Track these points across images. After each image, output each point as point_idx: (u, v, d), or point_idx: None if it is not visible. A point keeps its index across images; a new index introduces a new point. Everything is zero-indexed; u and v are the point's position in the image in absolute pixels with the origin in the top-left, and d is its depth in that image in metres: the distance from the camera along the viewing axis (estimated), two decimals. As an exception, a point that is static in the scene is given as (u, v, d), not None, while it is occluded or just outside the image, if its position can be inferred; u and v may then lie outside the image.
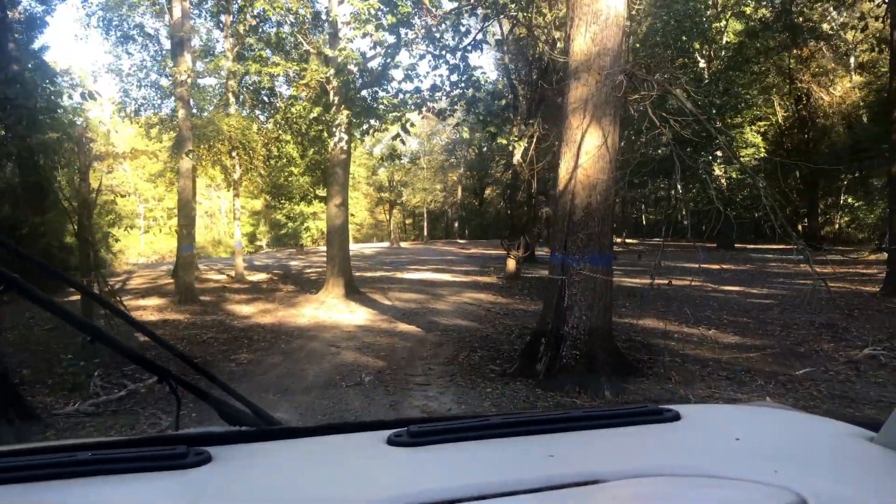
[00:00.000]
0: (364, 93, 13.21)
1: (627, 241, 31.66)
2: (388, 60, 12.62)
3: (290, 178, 22.96)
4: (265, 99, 18.11)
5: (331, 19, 12.76)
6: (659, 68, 5.85)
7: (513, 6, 12.09)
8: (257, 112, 19.04)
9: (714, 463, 0.92)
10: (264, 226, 43.67)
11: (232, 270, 18.58)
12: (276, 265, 22.73)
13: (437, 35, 12.09)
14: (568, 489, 0.83)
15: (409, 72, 12.60)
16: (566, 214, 6.01)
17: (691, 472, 0.89)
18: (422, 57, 12.51)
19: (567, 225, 5.99)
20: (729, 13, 26.16)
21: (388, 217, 50.78)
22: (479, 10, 11.76)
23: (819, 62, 28.05)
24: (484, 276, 17.50)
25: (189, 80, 14.08)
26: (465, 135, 17.74)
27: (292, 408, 5.48)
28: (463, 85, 12.61)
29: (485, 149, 38.26)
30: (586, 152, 5.89)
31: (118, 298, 9.90)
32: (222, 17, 17.57)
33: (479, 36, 12.49)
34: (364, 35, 11.52)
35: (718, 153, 25.02)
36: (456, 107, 13.14)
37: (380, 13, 11.32)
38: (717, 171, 25.17)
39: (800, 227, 30.06)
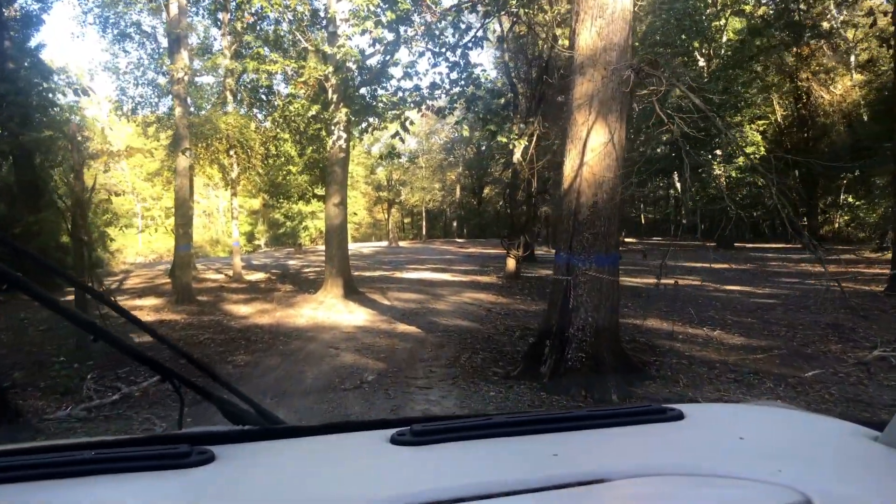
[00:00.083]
0: (363, 91, 13.06)
1: (626, 240, 31.54)
2: (388, 58, 12.46)
3: (288, 177, 22.81)
4: (263, 97, 18.00)
5: (329, 16, 12.60)
6: (663, 65, 5.69)
7: (514, 2, 11.94)
8: (255, 110, 18.93)
9: (718, 462, 0.92)
10: (262, 225, 43.51)
11: (230, 270, 18.43)
12: (274, 264, 22.58)
13: (437, 32, 11.94)
14: (572, 488, 0.83)
15: (409, 69, 12.45)
16: (571, 213, 5.86)
17: (695, 471, 0.89)
18: (421, 54, 12.36)
19: (572, 224, 5.84)
20: (728, 11, 26.01)
21: (386, 216, 50.66)
22: (480, 7, 11.61)
23: (819, 60, 27.92)
24: (483, 276, 17.36)
25: (186, 78, 13.91)
26: (466, 133, 17.58)
27: (290, 412, 5.33)
28: (463, 83, 12.47)
29: (483, 148, 38.17)
30: (592, 149, 5.74)
31: (114, 298, 9.75)
32: (220, 15, 17.42)
33: (480, 33, 12.31)
34: (363, 32, 11.36)
35: (718, 151, 24.91)
36: (455, 105, 13.00)
37: (379, 10, 11.17)
38: (717, 171, 25.05)
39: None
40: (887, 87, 25.23)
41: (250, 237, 43.58)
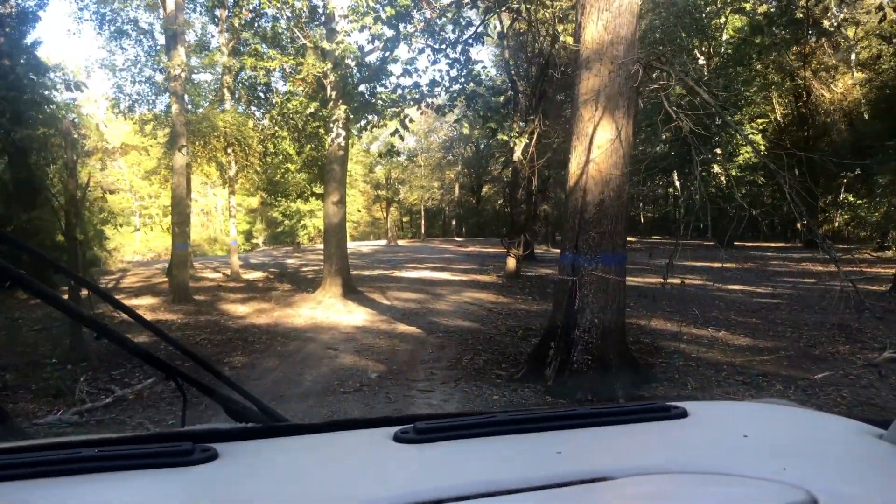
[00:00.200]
0: (362, 88, 12.90)
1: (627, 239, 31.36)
2: (387, 55, 12.30)
3: (286, 175, 22.67)
4: (261, 94, 17.83)
5: (328, 12, 12.42)
6: (669, 61, 5.54)
7: (515, -3, 11.77)
8: (253, 108, 18.78)
9: (722, 460, 0.92)
10: (260, 223, 43.35)
11: (227, 269, 18.29)
12: (273, 263, 22.43)
13: (437, 29, 11.77)
14: (575, 486, 0.82)
15: (408, 66, 12.27)
16: (577, 212, 5.70)
17: (699, 469, 0.88)
18: (421, 51, 12.18)
19: (578, 223, 5.68)
20: (728, 10, 25.87)
21: (385, 215, 50.51)
22: (480, 3, 11.43)
23: (820, 59, 27.78)
24: (483, 275, 17.21)
25: (183, 75, 13.75)
26: (466, 130, 17.40)
27: (288, 416, 5.16)
28: (463, 80, 12.31)
29: (482, 146, 38.01)
30: (599, 146, 5.58)
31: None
32: (217, 12, 17.25)
33: (481, 29, 12.14)
34: (362, 28, 11.19)
35: (718, 150, 24.78)
36: (455, 102, 12.84)
37: (378, 6, 11.00)
38: (717, 169, 24.91)
39: (798, 226, 29.86)
40: (889, 85, 25.17)
41: (248, 236, 43.41)
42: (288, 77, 13.79)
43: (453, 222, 51.23)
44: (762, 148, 26.63)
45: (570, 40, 8.36)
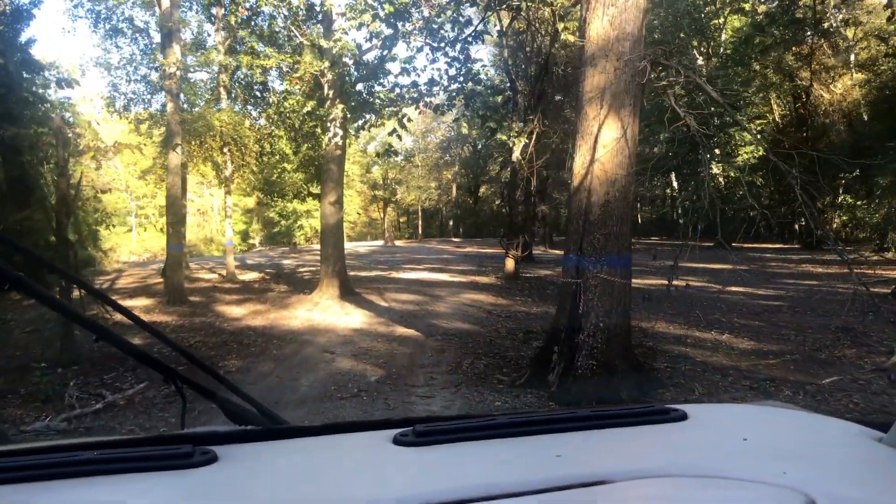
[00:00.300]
0: (360, 87, 12.75)
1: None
2: (385, 53, 12.14)
3: (282, 175, 22.50)
4: (258, 93, 17.67)
5: (325, 9, 12.26)
6: (677, 58, 5.39)
7: (515, -5, 11.62)
8: (249, 107, 18.61)
9: (721, 463, 0.92)
10: (257, 224, 43.16)
11: (223, 269, 18.11)
12: (269, 264, 22.26)
13: (436, 27, 11.62)
14: (575, 490, 0.82)
15: (406, 65, 12.12)
16: (581, 213, 5.54)
17: (698, 472, 0.88)
18: (419, 50, 12.03)
19: (582, 224, 5.52)
20: (727, 10, 25.78)
21: (382, 215, 50.35)
22: (480, 0, 11.29)
23: (819, 59, 27.70)
24: (482, 276, 17.05)
25: (178, 73, 13.57)
26: (465, 130, 17.24)
27: (284, 423, 5.01)
28: (461, 79, 12.16)
29: (480, 146, 37.85)
30: (604, 145, 5.43)
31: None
32: (214, 10, 17.08)
33: (480, 27, 12.00)
34: (360, 26, 11.04)
35: (717, 151, 24.68)
36: (454, 101, 12.69)
37: (376, 3, 10.85)
38: (716, 170, 24.81)
39: (796, 227, 29.79)
40: (888, 86, 25.09)
41: (245, 236, 43.20)
42: (285, 76, 13.63)
43: (450, 223, 51.12)
44: (760, 149, 26.56)
45: (571, 38, 8.23)
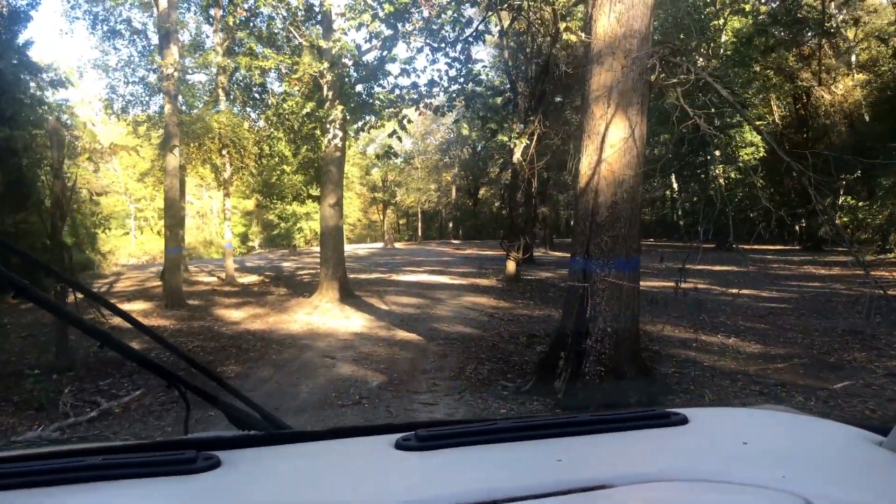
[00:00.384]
0: (359, 88, 12.62)
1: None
2: (385, 54, 12.01)
3: (282, 177, 22.38)
4: (256, 95, 17.55)
5: (324, 8, 12.13)
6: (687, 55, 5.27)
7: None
8: (248, 109, 18.49)
9: (722, 467, 0.92)
10: (256, 226, 43.02)
11: (223, 272, 17.96)
12: (269, 266, 22.12)
13: (436, 27, 11.49)
14: (576, 494, 0.82)
15: (406, 66, 11.99)
16: (588, 215, 5.40)
17: (699, 476, 0.88)
18: (419, 50, 11.91)
19: (589, 226, 5.37)
20: (728, 11, 25.66)
21: (381, 217, 50.25)
22: (480, 0, 11.18)
23: (821, 59, 27.59)
24: (482, 279, 16.91)
25: (176, 74, 13.43)
26: (465, 131, 17.14)
27: (284, 431, 4.87)
28: (462, 80, 12.04)
29: (479, 148, 37.71)
30: (611, 145, 5.29)
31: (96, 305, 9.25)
32: (212, 11, 16.96)
33: (481, 27, 11.87)
34: (359, 26, 10.91)
35: (717, 152, 24.51)
36: (455, 102, 12.57)
37: (376, 3, 10.73)
38: (716, 171, 24.61)
39: (797, 228, 29.67)
40: (890, 87, 25.00)
41: (244, 238, 43.05)
42: (284, 77, 13.50)
43: (450, 225, 51.02)
44: (761, 151, 26.47)
45: (573, 38, 8.10)
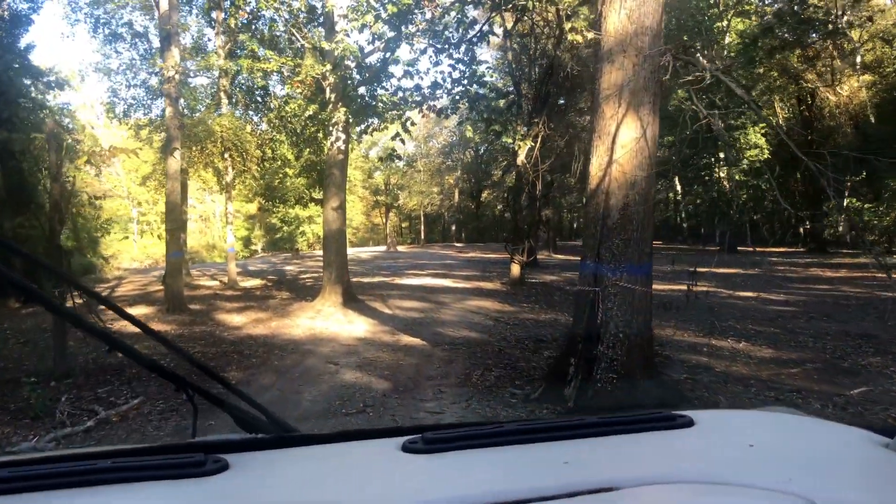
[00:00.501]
0: (362, 90, 12.48)
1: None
2: (388, 55, 11.88)
3: (284, 181, 22.28)
4: (259, 98, 17.46)
5: (326, 10, 12.01)
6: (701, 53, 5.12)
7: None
8: (250, 112, 18.41)
9: (727, 470, 0.92)
10: (259, 230, 42.91)
11: (225, 276, 17.85)
12: (271, 270, 21.99)
13: (440, 29, 11.36)
14: (582, 496, 0.82)
15: (409, 67, 11.86)
16: (599, 217, 5.25)
17: (705, 478, 0.88)
18: (423, 52, 11.78)
19: (600, 229, 5.22)
20: (731, 12, 25.52)
21: (384, 220, 50.14)
22: (485, 0, 11.05)
23: (825, 61, 27.43)
24: (486, 282, 16.76)
25: (177, 77, 13.32)
26: (469, 133, 17.00)
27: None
28: (465, 82, 11.91)
29: (482, 151, 37.60)
30: (622, 145, 5.14)
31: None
32: (213, 14, 16.88)
33: (486, 27, 11.73)
34: (362, 27, 10.79)
35: (721, 154, 24.38)
36: (458, 104, 12.44)
37: (378, 4, 10.60)
38: (721, 173, 24.55)
39: (801, 231, 29.49)
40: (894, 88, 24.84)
41: (247, 242, 42.95)
42: (286, 80, 13.39)
43: (453, 228, 50.94)
44: (766, 152, 26.29)
45: (578, 38, 7.97)
